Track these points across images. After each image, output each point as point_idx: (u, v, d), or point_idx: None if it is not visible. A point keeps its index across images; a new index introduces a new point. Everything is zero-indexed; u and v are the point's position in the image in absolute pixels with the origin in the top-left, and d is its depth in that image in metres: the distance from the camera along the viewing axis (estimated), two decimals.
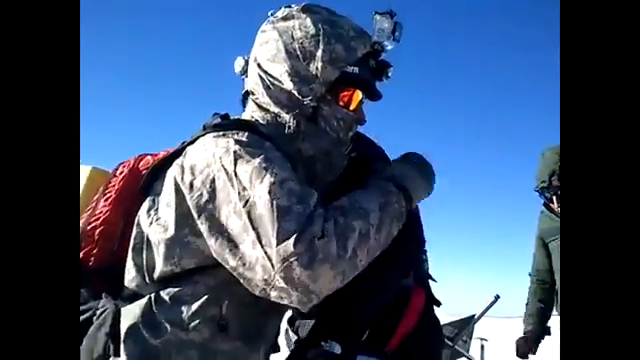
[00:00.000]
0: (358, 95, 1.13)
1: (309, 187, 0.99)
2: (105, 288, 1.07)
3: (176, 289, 1.00)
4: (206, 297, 0.99)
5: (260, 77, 1.11)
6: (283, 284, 0.88)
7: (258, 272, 0.91)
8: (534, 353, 2.90)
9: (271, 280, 0.89)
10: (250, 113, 1.14)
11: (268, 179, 0.92)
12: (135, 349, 0.98)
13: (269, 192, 0.91)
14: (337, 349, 1.09)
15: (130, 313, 1.01)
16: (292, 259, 0.87)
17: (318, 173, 1.14)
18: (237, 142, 0.98)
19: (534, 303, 2.94)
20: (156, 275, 1.03)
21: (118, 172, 1.18)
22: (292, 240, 0.87)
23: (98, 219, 1.12)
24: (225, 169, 0.96)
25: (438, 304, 1.31)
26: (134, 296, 1.04)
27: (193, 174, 1.00)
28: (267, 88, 1.09)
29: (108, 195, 1.14)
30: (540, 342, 2.92)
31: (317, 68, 1.06)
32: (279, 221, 0.89)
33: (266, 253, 0.89)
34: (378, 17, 1.15)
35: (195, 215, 0.97)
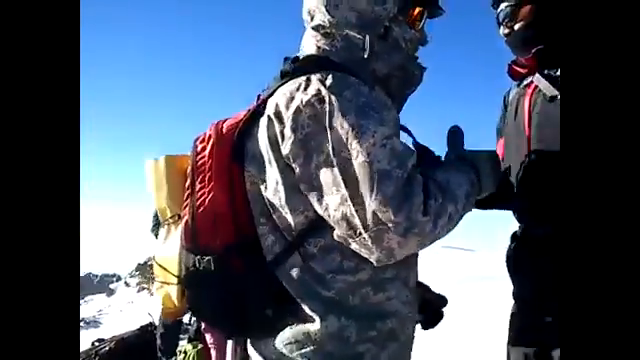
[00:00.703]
0: (424, 14, 1.14)
1: (406, 145, 1.00)
2: (242, 263, 1.07)
3: (319, 239, 1.03)
4: None
5: None
6: (369, 243, 0.93)
7: (342, 226, 0.95)
8: None
9: (356, 236, 0.94)
10: (314, 44, 1.12)
11: (366, 139, 0.92)
12: (314, 304, 1.01)
13: (368, 154, 0.92)
14: None
15: (288, 278, 1.04)
16: (389, 225, 0.90)
17: (395, 89, 1.15)
18: (327, 88, 0.96)
19: None
20: (294, 231, 1.04)
21: (199, 149, 1.14)
22: (393, 208, 0.90)
23: (204, 201, 1.09)
24: (317, 118, 0.95)
25: None
26: (282, 257, 1.05)
27: (282, 123, 0.99)
28: (334, 8, 1.07)
29: (202, 174, 1.11)
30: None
31: None
32: (378, 185, 0.91)
33: (357, 212, 0.92)
34: None
35: (291, 162, 0.98)
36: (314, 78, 0.99)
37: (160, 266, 1.23)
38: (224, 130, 1.11)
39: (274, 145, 1.01)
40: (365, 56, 1.06)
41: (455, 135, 1.17)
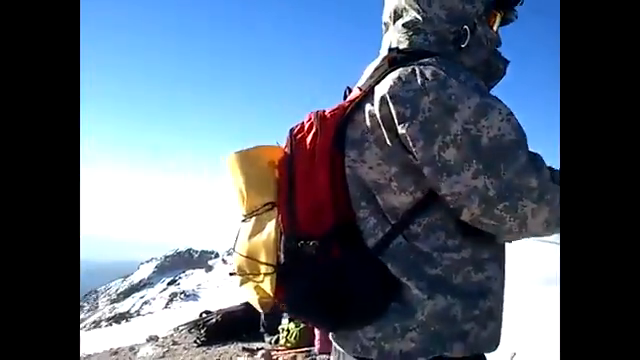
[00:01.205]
0: (500, 18, 1.20)
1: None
2: (342, 249, 1.08)
3: (424, 218, 1.05)
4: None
5: None
6: (503, 213, 0.98)
7: (474, 200, 0.98)
8: None
9: (488, 208, 0.98)
10: (406, 39, 1.16)
11: (494, 115, 0.98)
12: (420, 283, 1.03)
13: (499, 128, 0.97)
14: None
15: (392, 259, 1.06)
16: (524, 192, 0.97)
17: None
18: (444, 71, 1.01)
19: None
20: (399, 211, 1.06)
21: (298, 138, 1.16)
22: (529, 173, 0.97)
23: (305, 187, 1.12)
24: (440, 101, 0.99)
25: None
26: (385, 240, 1.07)
27: (399, 104, 1.01)
28: (428, 5, 1.13)
29: (302, 163, 1.13)
30: None
31: None
32: (514, 154, 0.97)
33: (492, 183, 0.97)
34: None
35: (410, 144, 1.00)
36: (428, 64, 1.04)
37: (249, 257, 1.20)
38: (327, 119, 1.14)
39: (389, 125, 1.03)
40: (459, 48, 1.13)
41: None
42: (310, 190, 1.12)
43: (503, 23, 1.24)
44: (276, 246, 1.15)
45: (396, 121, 1.02)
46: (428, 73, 1.02)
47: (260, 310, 1.28)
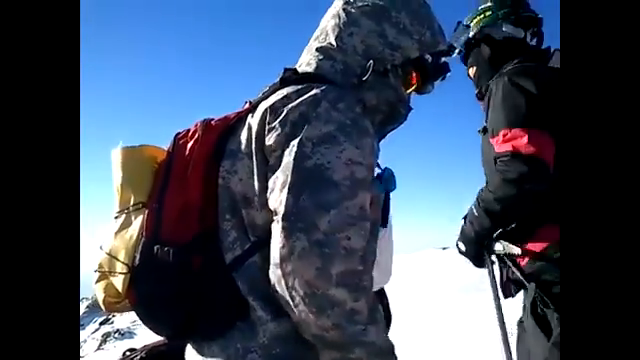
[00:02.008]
0: (417, 82, 1.23)
1: (370, 182, 1.01)
2: (201, 260, 1.06)
3: None
4: None
5: (344, 23, 1.17)
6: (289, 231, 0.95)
7: (279, 214, 0.96)
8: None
9: (285, 225, 0.95)
10: (315, 62, 1.18)
11: (335, 150, 0.97)
12: (267, 305, 1.01)
13: (329, 162, 0.96)
14: None
15: (244, 277, 1.03)
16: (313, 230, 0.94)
17: (378, 122, 1.20)
18: (324, 96, 1.01)
19: None
20: (260, 230, 1.04)
21: (180, 143, 1.16)
22: (345, 229, 0.94)
23: (176, 193, 1.10)
24: (304, 116, 0.99)
25: None
26: (241, 257, 1.05)
27: (273, 117, 1.02)
28: (348, 35, 1.16)
29: (179, 168, 1.12)
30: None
31: (405, 41, 1.17)
32: (318, 192, 0.94)
33: (287, 200, 0.95)
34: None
35: (269, 154, 1.01)
36: (315, 86, 1.05)
37: (109, 255, 1.17)
38: (210, 129, 1.14)
39: (259, 137, 1.03)
40: (361, 81, 1.13)
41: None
42: (180, 197, 1.09)
43: (418, 91, 1.26)
44: (135, 247, 1.12)
45: (266, 132, 1.02)
46: (311, 93, 1.02)
47: (104, 310, 1.24)
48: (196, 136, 1.14)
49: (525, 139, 1.72)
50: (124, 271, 1.13)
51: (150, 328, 1.17)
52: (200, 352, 1.11)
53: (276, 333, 1.01)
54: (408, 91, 1.22)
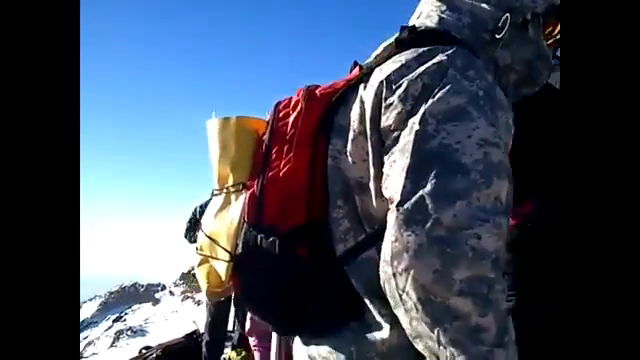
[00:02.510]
0: (557, 29, 1.02)
1: (506, 165, 0.83)
2: (308, 251, 0.95)
3: None
4: None
5: None
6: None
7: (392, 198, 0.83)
8: None
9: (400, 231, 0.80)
10: (437, 14, 0.98)
11: (465, 129, 0.80)
12: (384, 308, 0.88)
13: (458, 141, 0.79)
14: None
15: (358, 273, 0.91)
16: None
17: (511, 84, 1.01)
18: (449, 61, 0.85)
19: None
20: (375, 220, 0.90)
21: (281, 115, 1.03)
22: (440, 214, 0.77)
23: (279, 173, 0.98)
24: (428, 88, 0.83)
25: None
26: (355, 249, 0.92)
27: (391, 92, 0.87)
28: None
29: (281, 143, 1.00)
30: None
31: None
32: (452, 177, 0.78)
33: (402, 189, 0.80)
34: None
35: (384, 137, 0.87)
36: (438, 50, 0.88)
37: (210, 238, 1.08)
38: (315, 98, 1.00)
39: (375, 116, 0.88)
40: (494, 38, 0.94)
41: None
42: (284, 179, 0.97)
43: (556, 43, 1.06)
44: (237, 233, 1.03)
45: (383, 110, 0.87)
46: (434, 59, 0.86)
47: (208, 299, 1.21)
48: (299, 107, 1.00)
49: None
50: (226, 258, 1.05)
51: (260, 319, 1.09)
52: (307, 348, 1.01)
53: (397, 345, 0.87)
54: (549, 43, 1.02)
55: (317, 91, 1.01)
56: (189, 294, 20.56)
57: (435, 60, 0.85)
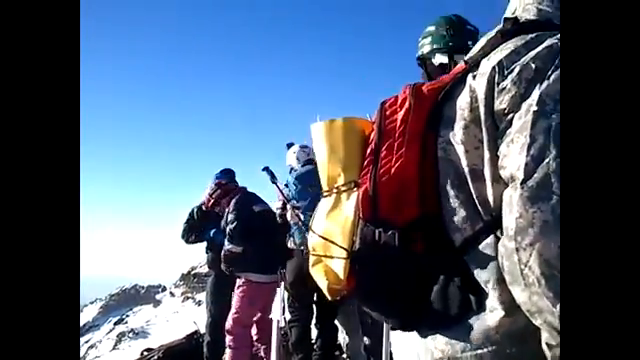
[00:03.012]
0: None
1: None
2: (424, 242, 0.97)
3: None
4: None
5: None
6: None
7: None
8: None
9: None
10: (534, 6, 0.99)
11: None
12: (503, 295, 0.89)
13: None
14: None
15: (478, 262, 0.92)
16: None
17: None
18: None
19: None
20: (493, 206, 0.91)
21: (388, 113, 1.05)
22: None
23: (390, 169, 1.00)
24: (540, 69, 0.85)
25: None
26: (474, 238, 0.93)
27: (503, 77, 0.89)
28: None
29: (391, 140, 1.02)
30: None
31: None
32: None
33: (528, 163, 0.82)
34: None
35: (498, 121, 0.89)
36: (545, 35, 0.90)
37: (324, 238, 1.12)
38: (423, 94, 1.02)
39: (488, 101, 0.90)
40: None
41: None
42: (396, 173, 1.00)
43: None
44: (353, 230, 1.07)
45: (496, 95, 0.89)
46: (543, 44, 0.88)
47: (329, 297, 1.18)
48: (407, 104, 1.02)
49: None
50: (343, 256, 1.08)
51: (375, 316, 1.10)
52: (425, 342, 1.02)
53: (511, 331, 0.89)
54: None
55: (424, 87, 1.04)
56: (189, 295, 20.59)
57: (545, 44, 0.87)
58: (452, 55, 1.89)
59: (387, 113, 1.05)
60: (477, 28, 2.00)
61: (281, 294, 3.75)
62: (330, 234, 1.12)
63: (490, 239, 0.91)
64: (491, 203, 0.91)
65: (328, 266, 1.14)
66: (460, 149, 0.94)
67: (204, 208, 4.60)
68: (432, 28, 1.99)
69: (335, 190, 1.14)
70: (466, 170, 0.94)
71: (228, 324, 4.10)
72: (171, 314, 19.56)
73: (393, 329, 1.08)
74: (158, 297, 25.32)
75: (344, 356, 4.01)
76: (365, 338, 3.73)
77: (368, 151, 1.07)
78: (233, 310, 4.10)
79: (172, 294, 23.93)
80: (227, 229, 3.96)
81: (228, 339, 4.13)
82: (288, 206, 3.34)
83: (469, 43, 1.86)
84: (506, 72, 0.89)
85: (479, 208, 0.93)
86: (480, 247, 0.92)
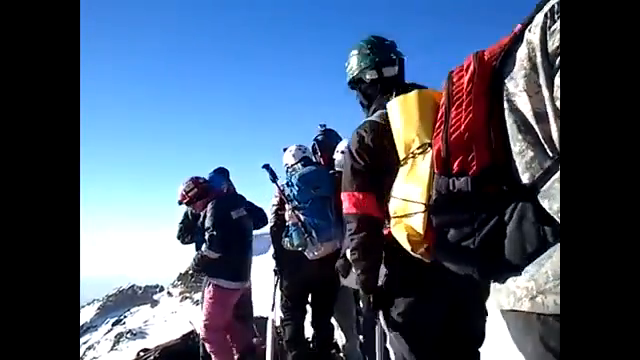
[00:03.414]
0: None
1: None
2: (497, 186, 1.02)
3: None
4: None
5: None
6: None
7: None
8: None
9: None
10: None
11: None
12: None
13: None
14: None
15: (550, 197, 0.94)
16: None
17: None
18: None
19: None
20: (557, 144, 0.95)
21: (455, 79, 1.14)
22: None
23: (460, 125, 1.08)
24: None
25: None
26: (542, 177, 0.97)
27: (554, 20, 0.94)
28: None
29: (459, 101, 1.10)
30: None
31: None
32: None
33: None
34: None
35: (552, 62, 0.93)
36: None
37: (403, 200, 1.23)
38: (485, 57, 1.10)
39: (542, 46, 0.95)
40: None
41: None
42: (466, 129, 1.07)
43: None
44: (430, 185, 1.15)
45: (548, 38, 0.95)
46: None
47: (410, 251, 1.27)
48: (472, 67, 1.10)
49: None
50: (421, 210, 1.18)
51: (455, 269, 1.13)
52: (507, 286, 1.04)
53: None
54: None
55: (485, 52, 1.12)
56: (187, 294, 20.58)
57: None
58: (380, 69, 1.98)
59: (454, 79, 1.14)
60: (394, 42, 2.09)
61: (273, 293, 3.75)
62: (408, 195, 1.22)
63: (558, 174, 0.94)
64: (556, 141, 0.95)
65: (407, 224, 1.24)
66: (523, 96, 1.00)
67: (178, 203, 4.58)
68: (355, 51, 2.08)
69: (411, 155, 1.26)
70: (530, 114, 0.99)
71: (202, 333, 4.12)
72: (169, 314, 19.54)
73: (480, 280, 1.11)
74: (156, 297, 25.31)
75: (340, 354, 4.02)
76: (360, 337, 3.74)
77: (439, 115, 1.16)
78: (203, 317, 4.11)
79: (170, 294, 23.93)
80: (206, 233, 3.98)
81: (207, 347, 4.14)
82: (287, 206, 3.32)
83: (391, 55, 2.01)
84: (556, 16, 0.93)
85: (545, 147, 0.98)
86: (550, 181, 0.96)
